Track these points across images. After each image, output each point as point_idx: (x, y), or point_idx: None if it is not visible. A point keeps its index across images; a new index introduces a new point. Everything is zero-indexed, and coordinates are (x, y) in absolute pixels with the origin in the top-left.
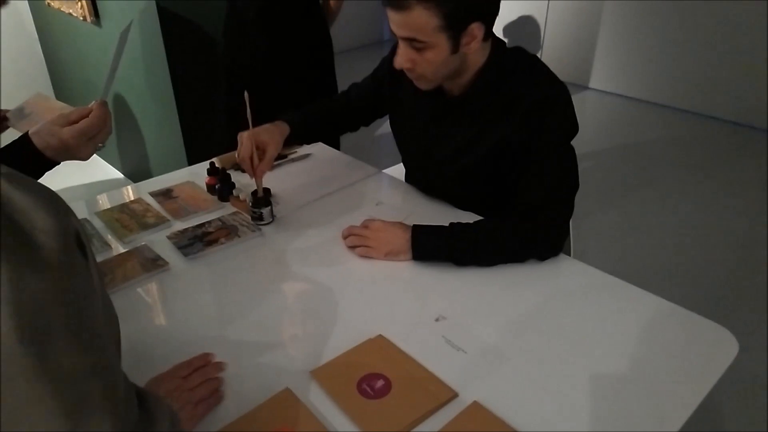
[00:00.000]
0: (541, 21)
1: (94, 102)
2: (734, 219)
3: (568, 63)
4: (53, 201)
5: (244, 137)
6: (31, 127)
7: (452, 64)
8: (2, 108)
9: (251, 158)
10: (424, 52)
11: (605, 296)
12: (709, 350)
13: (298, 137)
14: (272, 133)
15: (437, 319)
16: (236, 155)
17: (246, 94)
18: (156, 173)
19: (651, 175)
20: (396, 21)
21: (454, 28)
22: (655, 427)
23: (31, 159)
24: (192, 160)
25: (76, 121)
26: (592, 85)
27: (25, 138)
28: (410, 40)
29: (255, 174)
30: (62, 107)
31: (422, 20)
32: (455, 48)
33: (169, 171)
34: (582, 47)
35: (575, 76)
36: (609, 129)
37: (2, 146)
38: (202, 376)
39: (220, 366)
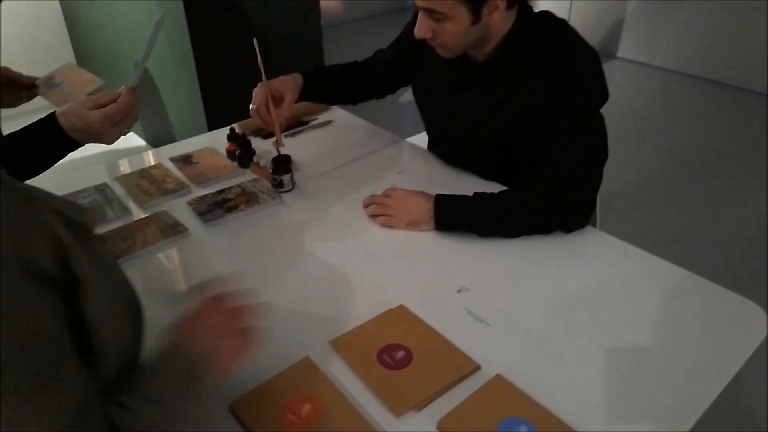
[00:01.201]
0: None
1: (123, 87)
2: (764, 192)
3: (596, 31)
4: (24, 212)
5: (257, 88)
6: (60, 97)
7: (474, 34)
8: (32, 75)
9: (266, 106)
10: (444, 22)
11: (631, 269)
12: (740, 326)
13: (310, 92)
14: (286, 82)
15: (459, 291)
16: (250, 108)
17: (255, 40)
18: (178, 140)
19: (680, 146)
20: None
21: (475, 0)
22: (681, 405)
23: (55, 139)
24: (212, 126)
25: (103, 105)
26: (620, 54)
27: (51, 117)
28: (429, 11)
29: (275, 122)
30: (92, 79)
31: None
32: (476, 19)
33: (190, 137)
34: (610, 15)
35: (603, 45)
36: (637, 100)
37: (28, 124)
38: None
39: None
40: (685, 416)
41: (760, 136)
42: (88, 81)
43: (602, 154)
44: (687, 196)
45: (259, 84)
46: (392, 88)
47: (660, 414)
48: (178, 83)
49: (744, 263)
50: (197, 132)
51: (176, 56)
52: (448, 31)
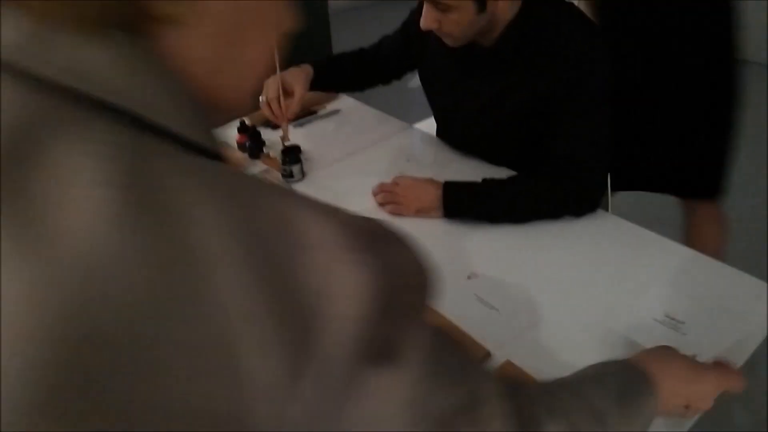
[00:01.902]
0: None
1: None
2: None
3: None
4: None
5: (269, 80)
6: None
7: (480, 22)
8: None
9: (278, 100)
10: (449, 13)
11: (643, 252)
12: (752, 307)
13: (320, 82)
14: (296, 74)
15: (469, 277)
16: (260, 99)
17: None
18: None
19: None
20: None
21: None
22: None
23: None
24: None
25: None
26: None
27: None
28: (434, 2)
29: (284, 115)
30: None
31: None
32: (482, 8)
33: None
34: None
35: None
36: None
37: None
38: None
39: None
40: None
41: (762, 108)
42: None
43: (610, 137)
44: None
45: (271, 76)
46: (398, 74)
47: None
48: None
49: (752, 240)
50: None
51: None
52: (453, 21)
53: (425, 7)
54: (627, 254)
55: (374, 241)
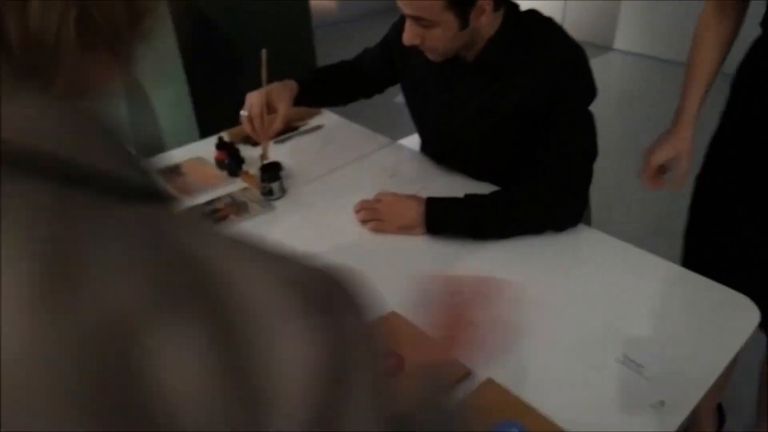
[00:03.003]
0: None
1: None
2: None
3: (591, 22)
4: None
5: (253, 95)
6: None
7: (462, 38)
8: None
9: (261, 117)
10: (432, 29)
11: (625, 266)
12: (731, 319)
13: (306, 97)
14: (280, 91)
15: None
16: (242, 114)
17: (264, 51)
18: (168, 147)
19: None
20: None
21: (461, 6)
22: (675, 399)
23: None
24: (204, 134)
25: None
26: (616, 45)
27: None
28: (417, 18)
29: (266, 132)
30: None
31: (427, 0)
32: (464, 24)
33: (179, 146)
34: (605, 6)
35: (598, 37)
36: (636, 93)
37: None
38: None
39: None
40: (677, 412)
41: None
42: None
43: (592, 152)
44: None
45: (256, 91)
46: (380, 88)
47: (653, 410)
48: (168, 92)
49: None
50: (190, 142)
51: (164, 65)
52: (436, 37)
53: (408, 23)
54: (608, 269)
55: (321, 299)
